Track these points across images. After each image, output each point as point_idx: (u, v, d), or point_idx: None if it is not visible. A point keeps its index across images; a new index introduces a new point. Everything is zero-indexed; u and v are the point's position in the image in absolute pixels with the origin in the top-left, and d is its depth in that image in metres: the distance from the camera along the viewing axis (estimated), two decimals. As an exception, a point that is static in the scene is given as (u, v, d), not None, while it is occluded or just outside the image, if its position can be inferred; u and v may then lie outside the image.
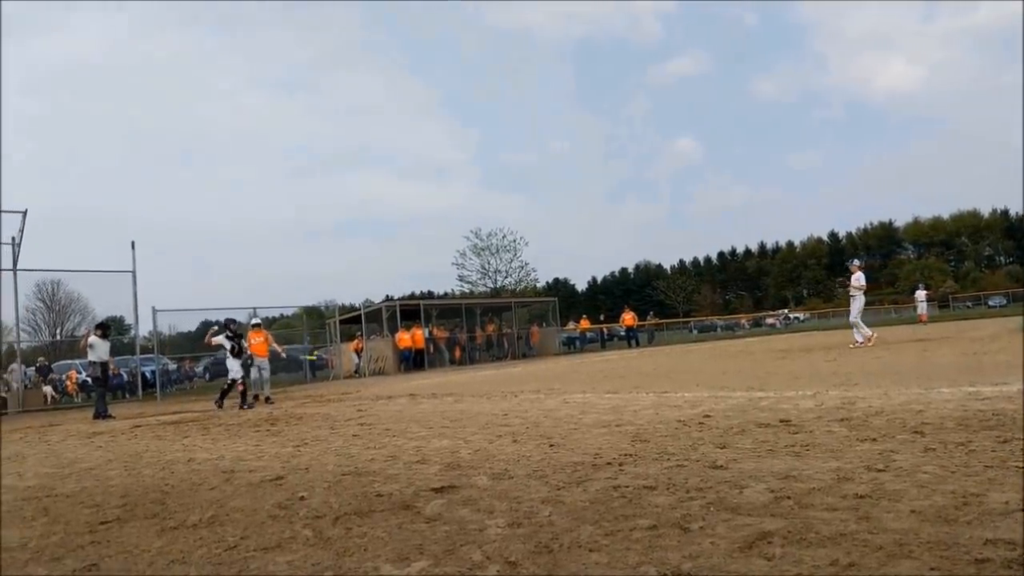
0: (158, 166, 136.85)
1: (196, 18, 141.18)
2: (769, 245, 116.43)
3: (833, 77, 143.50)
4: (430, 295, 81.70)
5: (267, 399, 15.32)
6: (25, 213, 21.64)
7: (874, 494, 3.41)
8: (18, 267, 21.81)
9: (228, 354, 14.74)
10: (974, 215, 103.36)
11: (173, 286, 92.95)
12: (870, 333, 16.96)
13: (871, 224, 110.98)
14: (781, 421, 5.89)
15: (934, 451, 4.25)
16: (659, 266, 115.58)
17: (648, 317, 48.49)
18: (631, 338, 36.98)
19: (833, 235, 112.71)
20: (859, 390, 7.69)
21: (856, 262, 18.69)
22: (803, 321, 64.68)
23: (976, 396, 6.40)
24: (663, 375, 13.05)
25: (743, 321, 66.53)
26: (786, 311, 76.18)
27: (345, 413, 10.41)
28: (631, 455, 4.93)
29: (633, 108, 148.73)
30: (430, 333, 31.57)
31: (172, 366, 29.41)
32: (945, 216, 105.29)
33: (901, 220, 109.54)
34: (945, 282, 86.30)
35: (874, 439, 4.78)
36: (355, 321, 33.50)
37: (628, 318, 37.07)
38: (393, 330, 30.49)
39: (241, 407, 13.75)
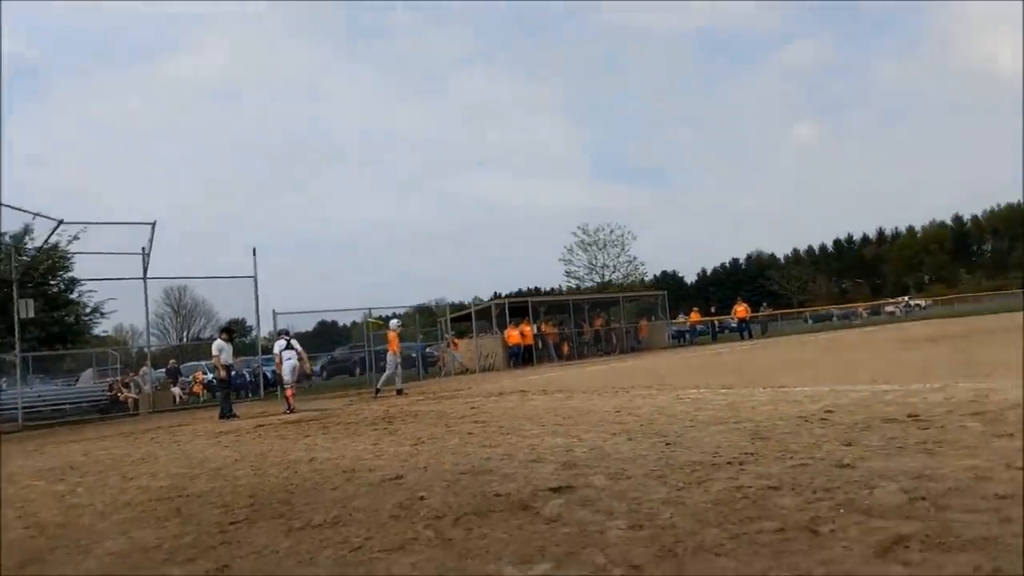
0: (275, 174, 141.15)
1: (318, 28, 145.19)
2: (888, 231, 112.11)
3: (954, 56, 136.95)
4: (537, 291, 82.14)
5: (399, 391, 17.95)
6: (154, 225, 22.91)
7: (1016, 494, 3.22)
8: (148, 275, 23.05)
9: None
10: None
11: (290, 289, 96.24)
12: None
13: (998, 205, 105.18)
14: (909, 416, 5.64)
15: (1082, 448, 3.99)
16: (772, 255, 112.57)
17: (762, 308, 47.39)
18: (743, 330, 36.25)
19: (957, 218, 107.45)
20: (992, 381, 7.28)
21: None
22: (924, 308, 62.04)
23: (1125, 387, 5.99)
24: (779, 368, 12.72)
25: (860, 310, 64.20)
26: (907, 298, 73.23)
27: (458, 410, 10.53)
28: (751, 454, 4.81)
29: (750, 94, 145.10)
30: (538, 329, 31.71)
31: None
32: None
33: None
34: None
35: (1011, 434, 4.51)
36: (465, 319, 33.92)
37: (741, 309, 36.30)
38: (502, 327, 30.78)
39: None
